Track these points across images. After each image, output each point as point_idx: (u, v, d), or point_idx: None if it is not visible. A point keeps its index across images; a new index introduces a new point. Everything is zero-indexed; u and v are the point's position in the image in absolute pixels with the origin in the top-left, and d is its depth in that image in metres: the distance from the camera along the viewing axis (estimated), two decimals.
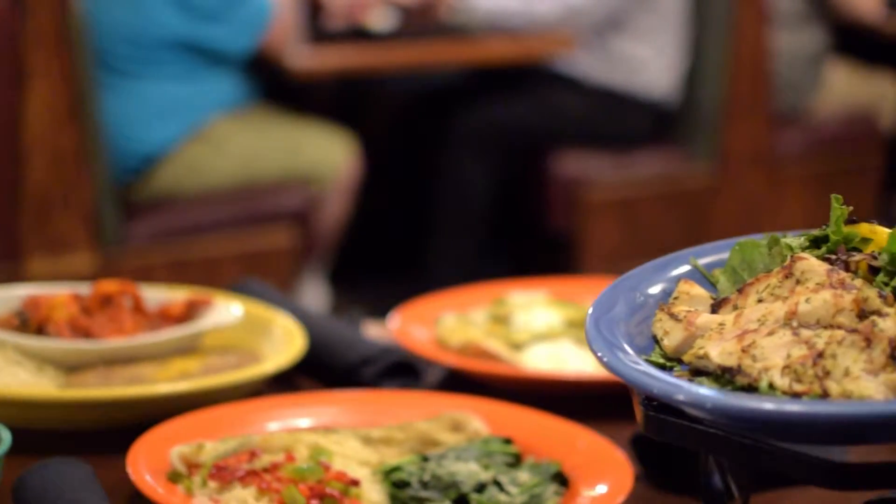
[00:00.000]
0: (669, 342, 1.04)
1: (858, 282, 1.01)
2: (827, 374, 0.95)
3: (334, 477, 1.30)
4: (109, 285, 1.68)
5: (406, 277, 3.96)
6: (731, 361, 0.99)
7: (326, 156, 3.69)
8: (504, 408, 1.48)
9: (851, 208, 1.11)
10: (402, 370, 1.62)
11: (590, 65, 4.11)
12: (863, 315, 0.99)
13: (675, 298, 1.10)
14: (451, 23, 3.96)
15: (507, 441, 1.41)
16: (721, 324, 1.03)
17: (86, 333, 1.62)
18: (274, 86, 3.87)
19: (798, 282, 1.03)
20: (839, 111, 4.65)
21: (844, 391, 0.93)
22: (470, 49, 3.94)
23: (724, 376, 0.98)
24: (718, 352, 1.00)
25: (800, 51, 4.48)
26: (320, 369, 1.64)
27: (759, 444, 0.95)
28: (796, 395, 0.94)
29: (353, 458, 1.36)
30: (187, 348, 1.64)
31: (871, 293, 1.00)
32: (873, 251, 1.06)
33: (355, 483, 1.30)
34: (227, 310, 1.66)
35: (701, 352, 1.01)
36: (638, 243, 4.06)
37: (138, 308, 1.68)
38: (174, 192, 3.58)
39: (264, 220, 3.63)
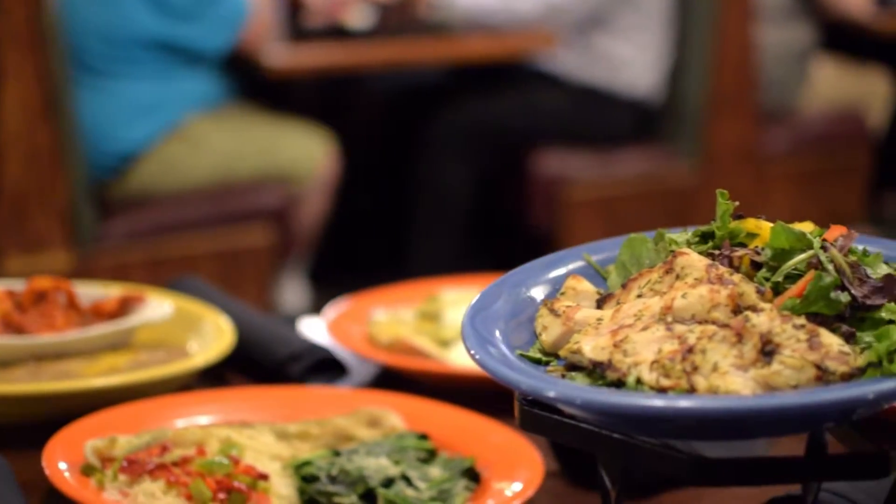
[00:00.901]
0: (547, 337, 1.04)
1: (737, 277, 1.01)
2: (695, 369, 0.94)
3: (242, 471, 1.30)
4: (43, 282, 1.69)
5: (387, 276, 3.95)
6: (602, 356, 0.98)
7: (304, 154, 3.69)
8: (423, 404, 1.48)
9: (737, 203, 1.10)
10: (329, 367, 1.63)
11: (572, 62, 4.10)
12: (738, 311, 0.99)
13: (562, 294, 1.10)
14: (431, 20, 3.95)
15: (423, 437, 1.41)
16: (599, 319, 1.03)
17: (18, 329, 1.63)
18: (253, 84, 3.87)
19: (678, 277, 1.03)
20: (826, 108, 4.62)
21: (711, 386, 0.93)
22: (449, 47, 3.93)
23: (596, 371, 0.98)
24: (591, 347, 0.99)
25: (786, 47, 4.45)
26: (250, 365, 1.64)
27: (628, 440, 0.95)
28: (663, 390, 0.94)
29: (264, 452, 1.36)
30: (118, 344, 1.64)
31: (748, 288, 0.99)
32: (757, 246, 1.06)
33: (263, 477, 1.30)
34: (159, 306, 1.67)
35: (575, 346, 1.00)
36: None
37: (72, 304, 1.68)
38: (151, 190, 3.59)
39: (241, 219, 3.64)
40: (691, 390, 0.93)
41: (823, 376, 0.93)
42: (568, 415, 0.98)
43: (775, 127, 4.50)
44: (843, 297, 0.98)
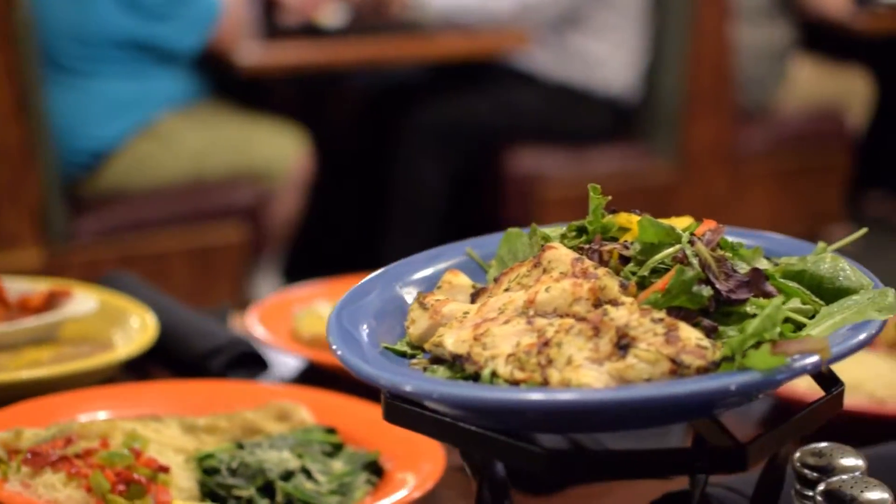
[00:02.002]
0: (415, 330, 1.04)
1: (601, 271, 1.01)
2: (550, 362, 0.95)
3: (143, 463, 1.31)
4: None
5: (362, 274, 3.95)
6: (462, 349, 0.98)
7: (277, 152, 3.70)
8: (334, 398, 1.49)
9: (610, 198, 1.11)
10: (251, 361, 1.63)
11: (547, 61, 4.09)
12: (599, 304, 0.99)
13: (438, 288, 1.10)
14: (405, 19, 3.95)
15: (331, 431, 1.42)
16: (466, 312, 1.03)
17: None
18: (228, 83, 3.88)
19: (545, 271, 1.03)
20: (804, 107, 4.61)
21: (563, 379, 0.93)
22: (423, 45, 3.93)
23: (456, 364, 0.98)
24: (453, 340, 0.99)
25: (764, 46, 4.44)
26: (173, 359, 1.65)
27: (484, 433, 0.95)
28: (517, 383, 0.94)
29: (169, 445, 1.37)
30: (44, 338, 1.66)
31: (610, 282, 1.00)
32: (626, 241, 1.06)
33: (164, 469, 1.31)
34: (84, 301, 1.68)
35: (438, 340, 1.01)
36: None
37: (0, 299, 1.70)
38: (122, 188, 3.60)
39: (214, 217, 3.64)
40: (545, 383, 0.93)
41: (678, 370, 0.93)
42: (432, 408, 0.99)
43: (753, 126, 4.50)
44: (706, 292, 0.98)
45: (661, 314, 0.96)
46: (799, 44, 4.64)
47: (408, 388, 0.94)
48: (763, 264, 1.13)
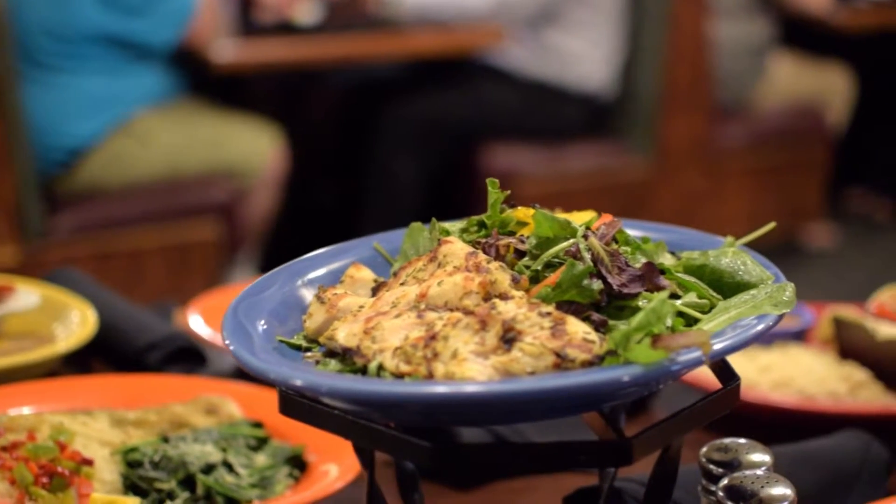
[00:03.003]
0: (311, 324, 1.04)
1: (494, 265, 1.01)
2: (436, 355, 0.95)
3: (68, 456, 1.32)
4: None
5: None
6: (352, 342, 0.99)
7: (252, 149, 3.71)
8: (264, 392, 1.49)
9: (508, 192, 1.11)
10: (189, 356, 1.64)
11: (523, 58, 4.10)
12: (489, 298, 1.00)
13: (341, 282, 1.11)
14: (379, 16, 3.96)
15: (257, 425, 1.43)
16: (361, 306, 1.04)
17: None
18: (206, 80, 3.88)
19: (440, 265, 1.04)
20: (784, 104, 4.60)
21: (448, 373, 0.93)
22: (398, 42, 3.93)
23: (347, 357, 0.99)
24: (345, 333, 1.00)
25: (743, 42, 4.44)
26: (113, 353, 1.66)
27: (371, 426, 0.96)
28: (402, 376, 0.95)
29: (95, 438, 1.38)
30: None
31: (501, 276, 1.00)
32: (522, 235, 1.07)
33: (88, 462, 1.32)
34: (26, 297, 1.69)
35: (331, 333, 1.01)
36: None
37: None
38: (99, 185, 3.61)
39: (189, 213, 3.65)
40: (429, 377, 0.94)
41: (562, 363, 0.93)
42: (324, 401, 0.99)
43: (731, 122, 4.50)
44: (597, 286, 0.99)
45: (550, 308, 0.97)
46: (778, 40, 4.64)
47: (297, 383, 0.94)
48: (667, 259, 1.14)
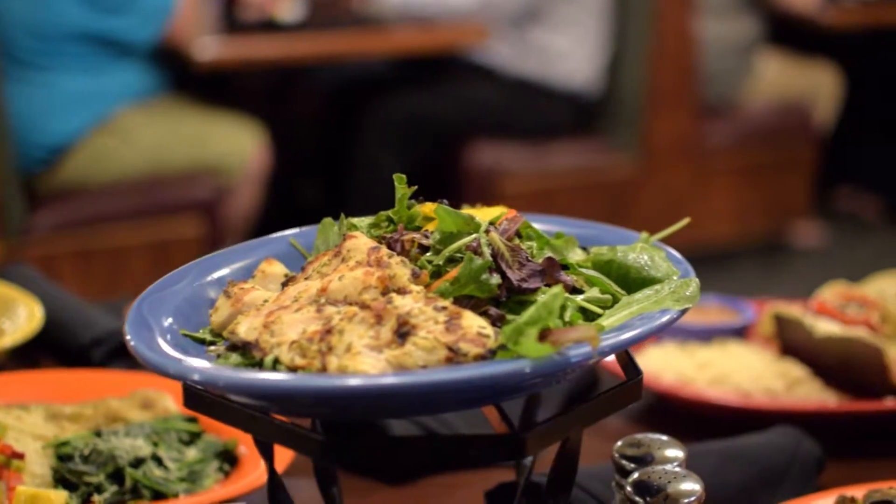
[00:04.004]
0: (217, 318, 1.05)
1: (396, 260, 1.02)
2: (330, 349, 0.96)
3: None
4: None
5: None
6: (252, 336, 1.00)
7: (234, 146, 3.72)
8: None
9: (415, 188, 1.12)
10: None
11: (507, 55, 4.10)
12: (387, 292, 1.00)
13: (253, 277, 1.11)
14: (362, 13, 3.96)
15: (192, 419, 1.43)
16: (265, 301, 1.04)
17: None
18: (190, 78, 3.89)
19: (343, 260, 1.04)
20: (771, 102, 4.59)
21: (341, 366, 0.94)
22: (381, 40, 3.93)
23: (247, 351, 1.00)
24: (246, 328, 1.01)
25: (730, 40, 4.43)
26: (59, 348, 1.67)
27: (265, 419, 0.96)
28: (296, 370, 0.95)
29: (28, 432, 1.39)
30: None
31: (400, 271, 1.01)
32: (427, 230, 1.07)
33: (19, 456, 1.33)
34: None
35: (233, 327, 1.02)
36: None
37: None
38: (80, 182, 3.62)
39: (172, 211, 3.66)
40: (323, 370, 0.94)
41: (455, 357, 0.94)
42: (225, 395, 1.00)
43: (717, 120, 4.49)
44: (495, 280, 0.99)
45: (446, 303, 0.97)
46: (766, 38, 4.63)
47: (195, 377, 0.95)
48: (577, 254, 1.14)
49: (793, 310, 1.60)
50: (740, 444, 1.38)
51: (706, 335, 1.63)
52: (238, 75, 4.22)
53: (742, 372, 1.53)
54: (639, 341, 0.97)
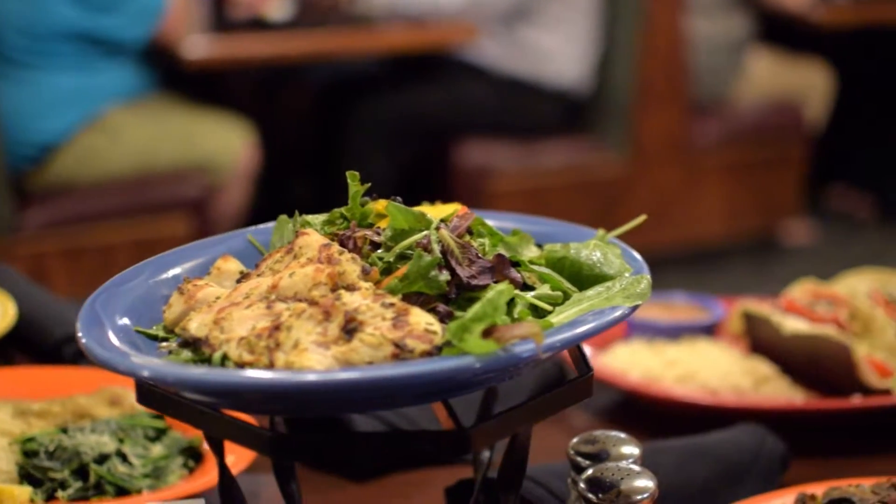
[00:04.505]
0: (170, 314, 1.06)
1: (346, 257, 1.02)
2: (278, 345, 0.96)
3: None
4: None
5: None
6: (202, 333, 1.00)
7: (223, 145, 3.72)
8: None
9: (369, 185, 1.12)
10: None
11: (497, 54, 4.10)
12: (337, 289, 1.01)
13: (209, 273, 1.12)
14: (352, 12, 3.97)
15: (158, 416, 1.44)
16: (218, 297, 1.05)
17: None
18: (181, 76, 3.90)
19: (295, 256, 1.05)
20: (762, 100, 4.60)
21: (287, 362, 0.95)
22: (371, 38, 3.94)
23: (198, 347, 1.00)
24: (197, 324, 1.01)
25: (720, 38, 4.43)
26: (32, 345, 1.68)
27: (215, 414, 0.97)
28: (244, 365, 0.96)
29: None
30: None
31: (350, 268, 1.01)
32: (378, 227, 1.08)
33: None
34: None
35: (185, 323, 1.03)
36: None
37: None
38: (70, 180, 3.63)
39: (160, 209, 3.67)
40: (270, 366, 0.95)
41: (401, 354, 0.94)
42: (178, 392, 1.00)
43: (708, 118, 4.49)
44: (443, 277, 0.99)
45: (394, 299, 0.98)
46: (756, 36, 4.63)
47: (144, 374, 0.95)
48: (532, 251, 1.15)
49: (761, 307, 1.60)
50: (703, 441, 1.39)
51: (674, 333, 1.63)
52: (229, 74, 4.22)
53: (709, 370, 1.54)
54: (585, 338, 0.97)
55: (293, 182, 4.39)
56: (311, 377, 0.88)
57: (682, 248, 4.50)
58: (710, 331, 1.66)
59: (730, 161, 4.52)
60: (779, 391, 1.52)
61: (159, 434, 1.41)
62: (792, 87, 4.64)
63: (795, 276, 1.85)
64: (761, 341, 1.60)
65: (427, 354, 0.94)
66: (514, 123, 4.16)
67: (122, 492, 1.32)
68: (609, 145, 4.30)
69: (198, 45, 3.70)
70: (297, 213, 1.12)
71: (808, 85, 4.66)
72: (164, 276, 1.11)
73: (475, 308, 0.94)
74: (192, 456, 1.39)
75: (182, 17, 3.65)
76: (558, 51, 4.11)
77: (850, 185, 5.22)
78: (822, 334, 1.52)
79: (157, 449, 1.38)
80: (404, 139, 4.05)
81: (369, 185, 1.12)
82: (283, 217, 1.13)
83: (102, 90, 3.63)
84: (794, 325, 1.55)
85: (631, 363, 1.57)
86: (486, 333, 0.93)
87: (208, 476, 1.34)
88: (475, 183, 4.07)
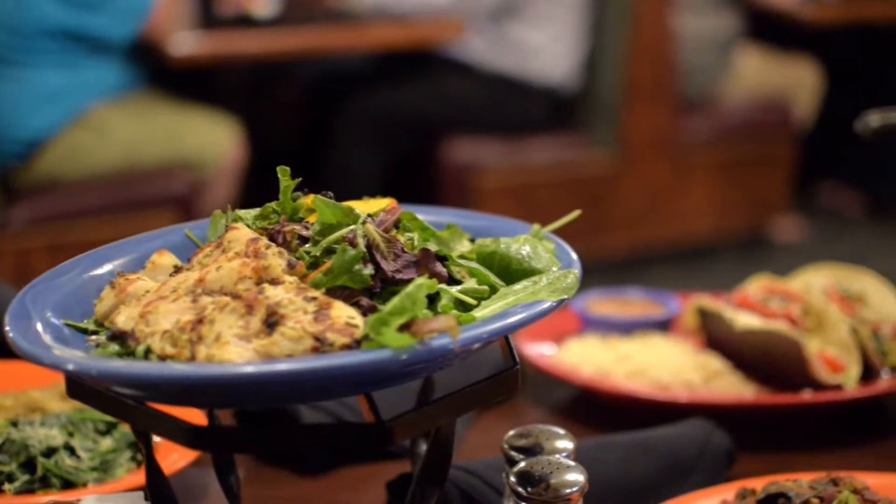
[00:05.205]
0: (101, 308, 1.06)
1: (272, 250, 1.03)
2: (200, 338, 0.97)
3: None
4: None
5: None
6: (129, 326, 1.01)
7: (209, 141, 3.73)
8: None
9: (299, 179, 1.13)
10: None
11: (484, 51, 4.11)
12: (262, 283, 1.01)
13: (143, 268, 1.13)
14: (338, 8, 3.98)
15: None
16: (148, 291, 1.06)
17: None
18: (168, 73, 3.91)
19: (224, 251, 1.06)
20: (750, 97, 4.59)
21: (208, 355, 0.95)
22: (357, 35, 3.95)
23: (124, 341, 1.01)
24: (124, 317, 1.02)
25: (709, 36, 4.43)
26: None
27: (138, 406, 0.98)
28: (166, 359, 0.97)
29: None
30: None
31: (275, 262, 1.02)
32: (307, 221, 1.09)
33: None
34: None
35: (113, 317, 1.03)
36: None
37: None
38: (56, 177, 3.64)
39: (147, 205, 3.68)
40: (192, 359, 0.96)
41: (321, 347, 0.95)
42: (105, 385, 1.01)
43: (696, 115, 4.49)
44: (367, 271, 1.00)
45: (316, 293, 0.98)
46: (745, 34, 4.63)
47: (69, 367, 0.95)
48: (464, 245, 1.15)
49: (715, 303, 1.61)
50: (649, 436, 1.39)
51: (628, 328, 1.64)
52: (216, 71, 4.23)
53: (661, 365, 1.54)
54: (505, 332, 0.98)
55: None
56: (222, 370, 0.89)
57: (670, 246, 4.50)
58: (664, 326, 1.67)
59: (718, 158, 4.52)
60: (730, 386, 1.53)
61: (109, 428, 1.42)
62: (780, 85, 4.64)
63: (785, 273, 1.86)
64: (715, 337, 1.60)
65: (347, 348, 0.95)
66: (502, 120, 4.17)
67: (68, 485, 1.33)
68: (597, 142, 4.31)
69: (184, 42, 3.71)
70: (229, 207, 1.12)
71: (796, 82, 4.66)
72: (100, 270, 1.12)
73: (393, 302, 0.95)
74: (138, 450, 1.39)
75: (169, 14, 3.66)
76: (546, 47, 4.11)
77: (840, 183, 5.22)
78: (773, 330, 1.52)
79: (107, 442, 1.39)
80: (392, 136, 4.05)
81: (300, 179, 1.12)
82: (218, 212, 1.14)
83: (89, 87, 3.64)
84: (746, 320, 1.55)
85: (584, 358, 1.58)
86: (405, 327, 0.94)
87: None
88: (462, 180, 4.08)
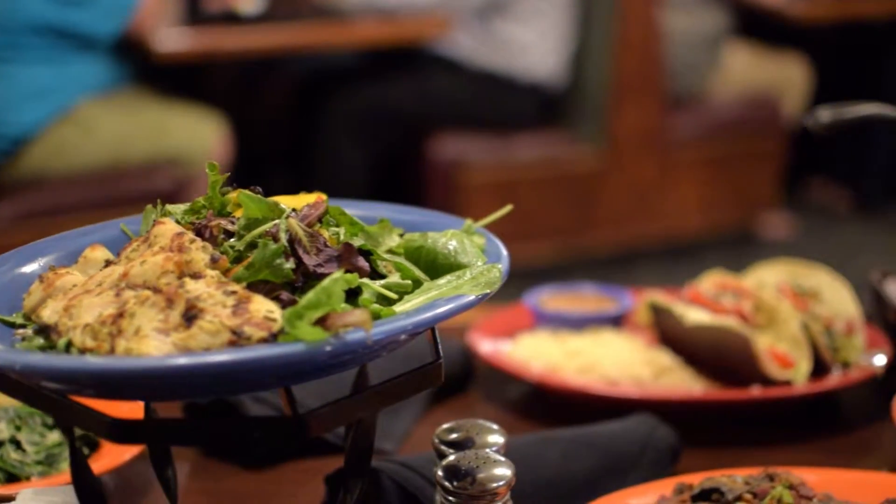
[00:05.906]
0: (29, 301, 1.07)
1: (196, 245, 1.04)
2: (120, 332, 0.98)
3: None
4: None
5: None
6: (53, 320, 1.02)
7: (195, 137, 3.74)
8: None
9: (228, 174, 1.14)
10: None
11: (471, 47, 4.11)
12: (184, 277, 1.02)
13: (76, 262, 1.14)
14: (324, 5, 3.98)
15: None
16: (75, 285, 1.07)
17: None
18: (156, 70, 3.92)
19: (150, 245, 1.07)
20: (739, 94, 4.59)
21: (127, 349, 0.96)
22: (343, 31, 3.95)
23: (49, 334, 1.02)
24: (49, 311, 1.03)
25: (697, 32, 4.43)
26: None
27: (61, 400, 0.99)
28: (86, 352, 0.97)
29: None
30: None
31: (197, 256, 1.03)
32: (233, 216, 1.09)
33: None
34: None
35: (39, 311, 1.04)
36: (522, 227, 4.07)
37: None
38: (42, 174, 3.65)
39: (132, 202, 3.69)
40: (111, 352, 0.97)
41: (238, 341, 0.96)
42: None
43: (684, 112, 4.49)
44: (288, 265, 1.01)
45: (237, 287, 0.99)
46: (734, 30, 4.62)
47: None
48: (393, 240, 1.16)
49: (667, 299, 1.61)
50: (592, 432, 1.40)
51: (580, 323, 1.64)
52: (204, 67, 4.24)
53: (611, 360, 1.55)
54: (423, 326, 0.98)
55: (268, 174, 4.41)
56: (135, 363, 0.90)
57: (658, 242, 4.51)
58: (617, 322, 1.67)
59: (706, 155, 4.52)
60: (680, 382, 1.53)
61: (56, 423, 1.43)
62: (769, 82, 4.64)
63: None
64: (666, 332, 1.61)
65: (265, 342, 0.96)
66: (489, 117, 4.18)
67: (12, 478, 1.34)
68: (584, 139, 4.31)
69: (170, 39, 3.72)
70: (159, 202, 1.13)
71: (785, 79, 4.66)
72: (34, 265, 1.13)
73: (308, 296, 0.96)
74: (88, 443, 1.40)
75: (155, 10, 3.67)
76: (533, 44, 4.12)
77: (829, 179, 5.22)
78: (722, 325, 1.53)
79: (53, 436, 1.40)
80: (378, 132, 4.06)
81: (228, 174, 1.13)
82: (150, 207, 1.15)
83: (74, 83, 3.65)
84: (696, 316, 1.56)
85: (536, 354, 1.59)
86: (321, 321, 0.95)
87: (100, 462, 1.36)
88: (449, 176, 4.08)
